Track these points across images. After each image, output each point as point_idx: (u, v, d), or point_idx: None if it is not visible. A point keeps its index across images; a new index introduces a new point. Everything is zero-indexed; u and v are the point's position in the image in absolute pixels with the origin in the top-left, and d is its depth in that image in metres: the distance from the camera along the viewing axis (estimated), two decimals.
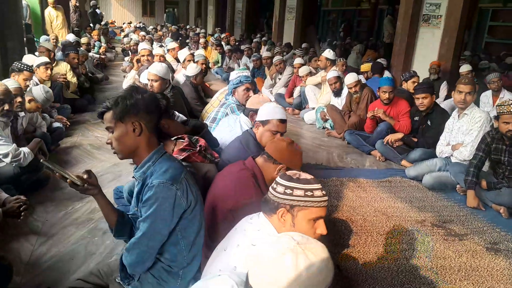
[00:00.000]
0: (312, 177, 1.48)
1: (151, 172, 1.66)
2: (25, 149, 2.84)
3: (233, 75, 4.52)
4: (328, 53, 5.65)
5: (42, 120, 3.89)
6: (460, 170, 3.37)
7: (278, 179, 1.48)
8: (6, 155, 2.70)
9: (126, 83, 5.36)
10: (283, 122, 2.51)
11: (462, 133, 3.57)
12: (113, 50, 11.26)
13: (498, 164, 3.22)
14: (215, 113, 3.46)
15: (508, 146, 3.08)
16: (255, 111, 2.88)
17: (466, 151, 3.43)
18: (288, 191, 1.42)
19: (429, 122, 4.09)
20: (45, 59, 4.62)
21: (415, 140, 4.14)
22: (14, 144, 2.78)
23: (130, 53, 9.03)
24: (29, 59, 4.49)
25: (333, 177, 3.72)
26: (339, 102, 5.27)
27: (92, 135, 4.63)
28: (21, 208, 2.34)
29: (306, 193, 1.41)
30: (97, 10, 14.01)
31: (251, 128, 2.79)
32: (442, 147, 3.73)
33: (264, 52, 7.65)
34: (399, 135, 4.17)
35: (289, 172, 1.50)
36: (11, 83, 3.17)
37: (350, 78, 4.82)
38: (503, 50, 10.31)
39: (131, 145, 1.68)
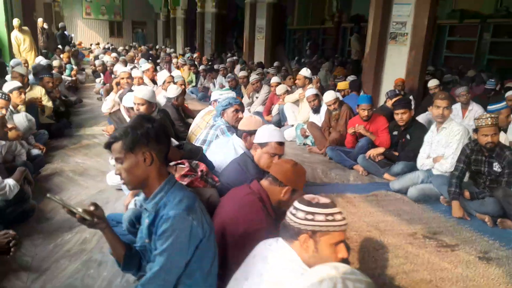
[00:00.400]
0: (331, 200, 1.51)
1: (164, 203, 1.64)
2: (10, 181, 2.72)
3: (215, 96, 4.54)
4: (306, 72, 5.80)
5: (22, 147, 3.75)
6: (443, 182, 3.52)
7: (297, 204, 1.50)
8: None
9: (105, 106, 5.27)
10: (281, 144, 2.56)
11: (442, 146, 3.74)
12: (83, 72, 11.03)
13: (478, 174, 3.40)
14: (205, 135, 3.46)
15: (487, 157, 3.26)
16: (248, 133, 2.92)
17: (447, 163, 3.60)
18: (309, 216, 1.43)
19: (408, 136, 4.26)
20: (17, 83, 4.47)
21: (396, 154, 4.29)
22: (3, 180, 2.66)
23: (102, 74, 8.88)
24: (9, 86, 4.33)
25: (321, 193, 3.77)
26: (318, 119, 5.39)
27: (73, 161, 4.49)
28: (10, 244, 2.24)
29: (327, 217, 1.43)
30: (66, 32, 13.73)
31: (248, 150, 2.82)
32: (423, 160, 3.88)
33: (240, 72, 7.74)
34: (381, 150, 4.31)
35: (306, 197, 1.52)
36: None
37: (329, 96, 4.95)
38: (460, 63, 10.93)
39: (141, 175, 1.65)
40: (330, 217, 1.43)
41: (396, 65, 6.86)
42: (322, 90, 6.23)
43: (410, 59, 6.68)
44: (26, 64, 6.92)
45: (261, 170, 2.54)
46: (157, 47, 19.25)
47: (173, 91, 4.97)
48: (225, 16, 15.86)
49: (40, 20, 11.99)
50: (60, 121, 5.48)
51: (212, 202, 2.28)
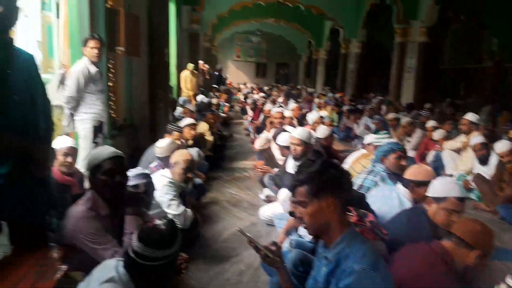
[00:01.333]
0: None
1: (347, 255, 1.56)
2: (189, 210, 3.02)
3: (370, 139, 4.41)
4: (472, 116, 5.22)
5: None
6: None
7: None
8: (177, 217, 2.88)
9: (259, 143, 5.56)
10: (461, 200, 2.27)
11: None
12: (233, 109, 12.07)
13: None
14: (362, 180, 3.31)
15: None
16: (417, 183, 2.69)
17: None
18: None
19: None
20: (191, 120, 5.06)
21: None
22: (184, 207, 2.97)
23: (252, 112, 9.54)
24: (183, 121, 4.94)
25: (494, 260, 3.21)
26: (486, 171, 4.73)
27: (228, 192, 4.82)
28: (182, 266, 2.43)
29: None
30: (222, 73, 15.44)
31: (415, 202, 2.59)
32: None
33: (390, 114, 7.42)
34: None
35: None
36: (183, 153, 3.28)
37: (503, 146, 4.32)
38: None
39: (323, 222, 1.62)
40: None
41: None
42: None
43: None
44: (194, 101, 7.88)
45: (437, 227, 2.28)
46: (298, 86, 20.03)
47: (323, 131, 4.99)
48: (369, 56, 15.68)
49: (201, 62, 13.67)
50: (217, 154, 6.00)
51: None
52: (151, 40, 5.66)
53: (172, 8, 7.91)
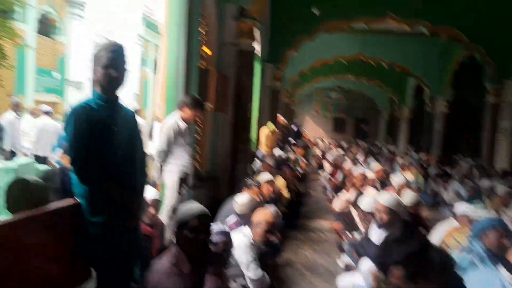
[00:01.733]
0: None
1: None
2: (267, 276, 2.93)
3: (462, 209, 4.00)
4: None
5: None
6: None
7: None
8: (255, 281, 2.81)
9: (338, 204, 5.39)
10: None
11: None
12: (309, 165, 11.96)
13: None
14: (457, 259, 2.96)
15: None
16: None
17: None
18: None
19: None
20: (270, 176, 5.05)
21: None
22: (263, 272, 2.89)
23: (331, 168, 9.35)
24: (263, 177, 4.97)
25: None
26: None
27: (302, 254, 4.65)
28: None
29: None
30: (300, 128, 15.60)
31: None
32: None
33: (483, 180, 6.77)
34: None
35: None
36: (266, 213, 3.23)
37: None
38: None
39: None
40: None
41: None
42: None
43: None
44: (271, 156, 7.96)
45: None
46: (376, 143, 19.41)
47: (412, 198, 4.63)
48: (457, 116, 14.81)
49: (280, 117, 13.94)
50: (293, 211, 5.88)
51: None
52: (237, 97, 5.95)
53: (257, 67, 8.33)
